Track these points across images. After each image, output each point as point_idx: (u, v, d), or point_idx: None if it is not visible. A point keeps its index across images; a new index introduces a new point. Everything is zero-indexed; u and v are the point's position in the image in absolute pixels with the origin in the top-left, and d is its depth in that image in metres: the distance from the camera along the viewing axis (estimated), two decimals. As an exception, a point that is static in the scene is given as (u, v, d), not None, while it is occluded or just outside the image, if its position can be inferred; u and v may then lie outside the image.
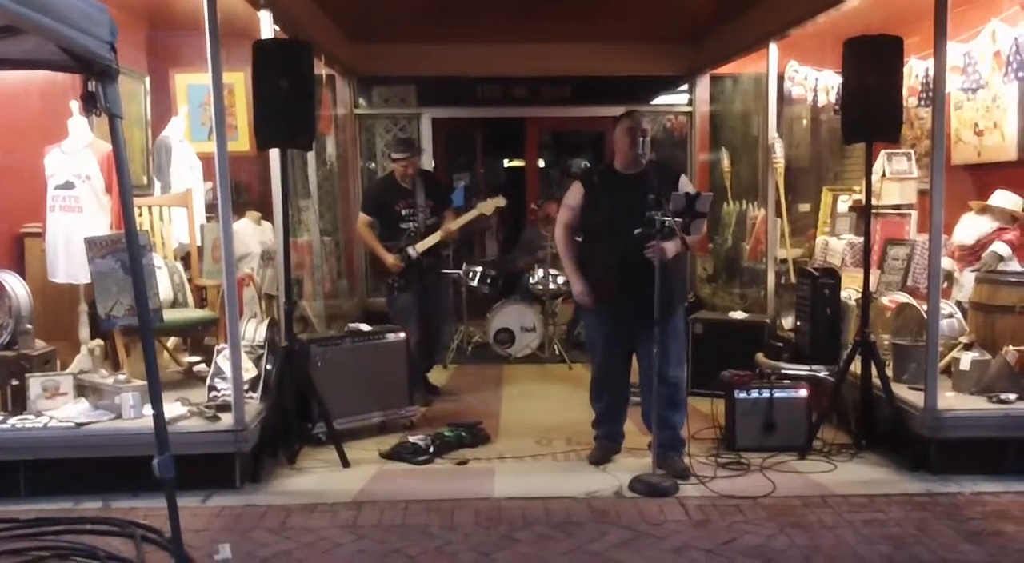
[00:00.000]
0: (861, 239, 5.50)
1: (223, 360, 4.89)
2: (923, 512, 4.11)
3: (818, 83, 7.37)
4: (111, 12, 2.93)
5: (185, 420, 4.59)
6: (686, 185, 4.68)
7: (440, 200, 6.46)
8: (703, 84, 9.44)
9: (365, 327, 5.67)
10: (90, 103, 2.91)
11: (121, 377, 4.79)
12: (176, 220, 6.20)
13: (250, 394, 4.84)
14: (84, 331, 5.42)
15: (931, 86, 5.38)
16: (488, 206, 6.59)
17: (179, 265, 6.00)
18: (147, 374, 3.20)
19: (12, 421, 4.52)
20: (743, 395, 5.02)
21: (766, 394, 5.01)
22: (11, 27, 2.77)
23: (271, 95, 4.64)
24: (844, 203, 7.13)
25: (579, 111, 9.92)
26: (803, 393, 5.04)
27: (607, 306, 4.76)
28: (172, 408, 4.51)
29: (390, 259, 6.12)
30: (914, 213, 6.53)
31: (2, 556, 3.67)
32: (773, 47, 7.04)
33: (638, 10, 7.66)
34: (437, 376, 7.05)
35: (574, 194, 4.85)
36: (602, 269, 4.71)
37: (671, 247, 4.44)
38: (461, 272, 7.82)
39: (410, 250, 6.15)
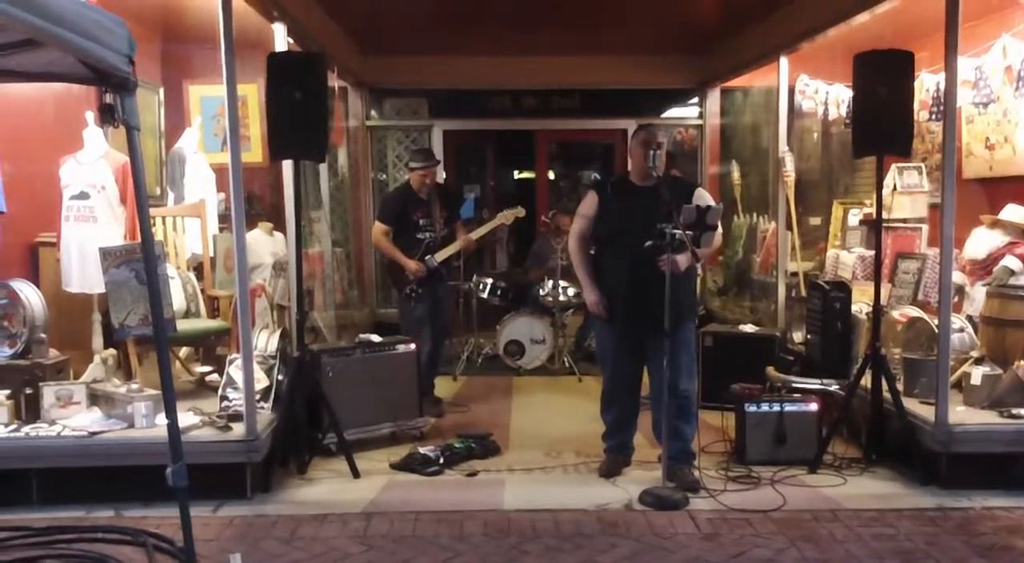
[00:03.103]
0: (872, 252, 5.50)
1: (235, 370, 4.91)
2: (934, 527, 4.09)
3: (828, 96, 7.38)
4: (127, 24, 2.97)
5: (197, 430, 4.62)
6: (701, 198, 4.68)
7: (453, 211, 6.51)
8: (714, 97, 9.46)
9: (376, 338, 5.70)
10: (108, 115, 2.95)
11: (134, 386, 4.82)
12: (189, 231, 6.24)
13: (261, 404, 4.86)
14: (97, 340, 5.45)
15: (942, 100, 5.40)
16: (508, 216, 6.74)
17: (192, 275, 6.03)
18: (161, 383, 3.22)
19: (26, 429, 4.55)
20: (753, 408, 5.02)
21: (776, 407, 5.01)
22: (31, 40, 2.81)
23: (285, 107, 4.68)
24: (855, 216, 7.12)
25: (589, 123, 9.95)
26: (813, 406, 5.03)
27: (618, 317, 4.77)
28: (184, 418, 4.52)
29: (413, 265, 6.14)
30: (925, 227, 6.52)
31: (16, 564, 3.70)
32: (784, 60, 7.07)
33: (648, 22, 7.69)
34: (448, 387, 7.07)
35: (589, 203, 4.87)
36: (613, 280, 4.73)
37: (683, 260, 4.45)
38: (471, 284, 7.85)
39: (429, 259, 6.18)
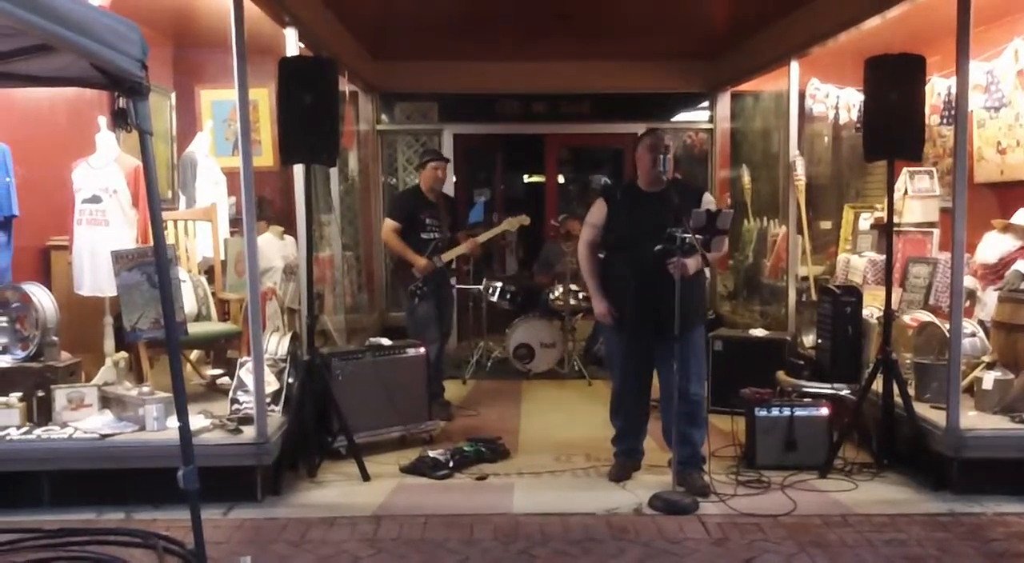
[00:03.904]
0: (883, 257, 5.49)
1: (246, 373, 4.93)
2: (945, 532, 4.08)
3: (839, 101, 7.37)
4: (140, 29, 2.99)
5: (207, 432, 4.63)
6: (709, 203, 4.70)
7: (455, 220, 6.56)
8: (724, 101, 9.46)
9: (386, 341, 5.71)
10: (120, 119, 2.97)
11: (145, 389, 4.83)
12: (200, 234, 6.27)
13: (272, 407, 4.87)
14: (109, 343, 5.48)
15: (953, 104, 5.38)
16: (513, 223, 6.82)
17: (203, 279, 6.05)
18: (173, 386, 3.24)
19: (37, 432, 4.58)
20: (764, 413, 5.01)
21: (787, 412, 5.00)
22: (45, 45, 2.83)
23: (296, 111, 4.69)
24: (866, 221, 7.11)
25: (599, 127, 9.95)
26: (824, 411, 5.02)
27: (627, 322, 4.77)
28: (195, 420, 4.54)
29: (422, 262, 6.17)
30: (936, 231, 6.50)
31: (27, 565, 3.72)
32: (794, 64, 7.05)
33: (658, 27, 7.70)
34: (457, 391, 7.07)
35: (597, 211, 4.87)
36: (623, 285, 4.73)
37: (692, 264, 4.45)
38: (481, 287, 7.85)
39: (436, 259, 6.21)
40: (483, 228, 6.88)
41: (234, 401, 4.94)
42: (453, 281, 6.83)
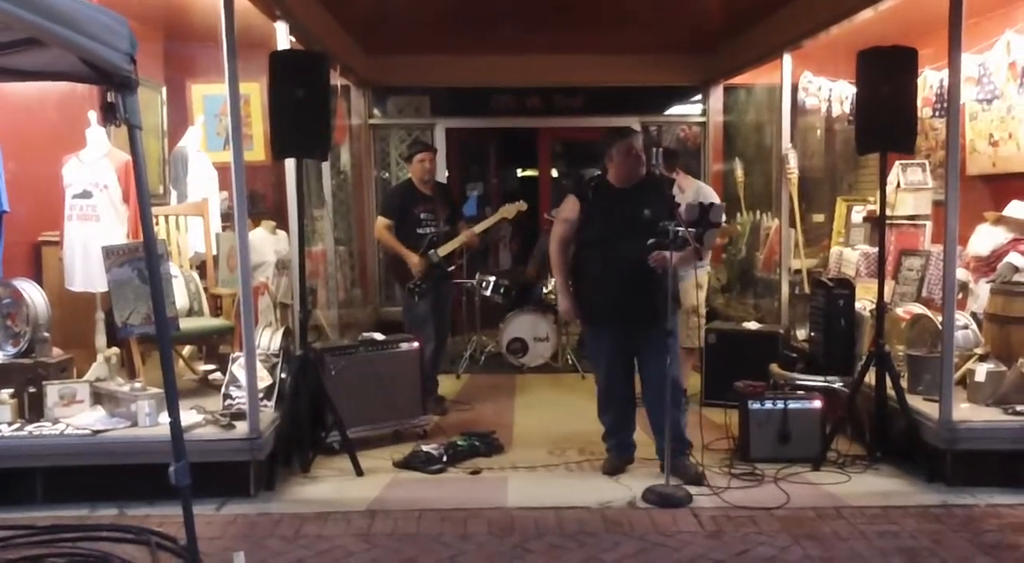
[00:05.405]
0: (875, 250, 5.49)
1: (238, 368, 4.92)
2: (938, 524, 4.09)
3: (832, 94, 7.37)
4: (129, 23, 2.97)
5: (200, 428, 4.61)
6: (679, 191, 4.73)
7: (453, 209, 6.52)
8: (717, 94, 9.45)
9: (379, 336, 5.69)
10: (110, 114, 2.95)
11: (137, 385, 4.82)
12: (192, 229, 6.24)
13: (265, 402, 4.86)
14: (100, 339, 5.45)
15: (945, 97, 5.38)
16: (510, 210, 6.74)
17: (195, 274, 6.03)
18: (164, 382, 3.23)
19: (29, 428, 4.56)
20: (757, 406, 5.01)
21: (780, 405, 5.00)
22: (33, 39, 2.81)
23: (287, 105, 4.67)
24: (858, 214, 7.12)
25: (592, 121, 9.91)
26: (817, 404, 5.03)
27: (608, 320, 4.78)
28: (187, 416, 4.52)
29: (415, 259, 6.14)
30: (929, 224, 6.51)
31: (20, 562, 3.70)
32: (787, 57, 7.04)
33: (652, 21, 7.69)
34: (451, 385, 7.07)
35: (570, 208, 4.87)
36: (601, 282, 4.74)
37: (676, 256, 4.47)
38: (474, 281, 7.84)
39: (432, 254, 6.18)
40: (477, 223, 6.86)
41: (227, 396, 4.92)
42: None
